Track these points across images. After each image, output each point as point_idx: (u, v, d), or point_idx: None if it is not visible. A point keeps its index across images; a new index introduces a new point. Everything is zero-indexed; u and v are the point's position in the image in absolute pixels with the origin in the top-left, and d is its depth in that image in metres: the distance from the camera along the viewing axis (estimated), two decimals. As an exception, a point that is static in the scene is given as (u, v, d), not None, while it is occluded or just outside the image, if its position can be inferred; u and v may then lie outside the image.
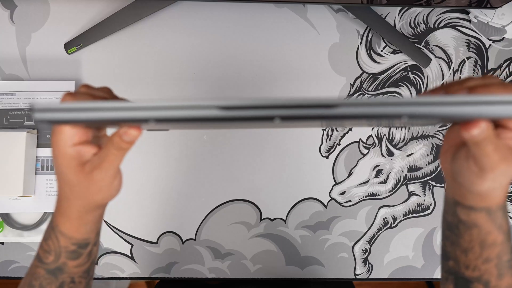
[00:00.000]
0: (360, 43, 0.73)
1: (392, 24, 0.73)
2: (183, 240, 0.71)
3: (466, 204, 0.39)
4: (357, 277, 0.72)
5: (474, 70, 0.73)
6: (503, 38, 0.73)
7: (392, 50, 0.73)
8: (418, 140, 0.72)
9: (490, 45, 0.73)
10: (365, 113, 0.29)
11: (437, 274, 0.72)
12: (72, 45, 0.70)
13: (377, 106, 0.29)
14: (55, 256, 0.43)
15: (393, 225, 0.72)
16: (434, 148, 0.72)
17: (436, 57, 0.73)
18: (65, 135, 0.38)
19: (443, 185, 0.73)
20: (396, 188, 0.72)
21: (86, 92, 0.39)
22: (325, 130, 0.72)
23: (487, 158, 0.34)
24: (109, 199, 0.42)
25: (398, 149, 0.73)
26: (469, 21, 0.73)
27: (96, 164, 0.39)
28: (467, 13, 0.73)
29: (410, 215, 0.72)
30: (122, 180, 0.43)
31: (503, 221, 0.39)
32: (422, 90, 0.73)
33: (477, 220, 0.39)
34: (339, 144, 0.72)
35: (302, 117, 0.29)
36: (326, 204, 0.72)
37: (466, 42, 0.73)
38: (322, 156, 0.72)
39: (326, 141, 0.72)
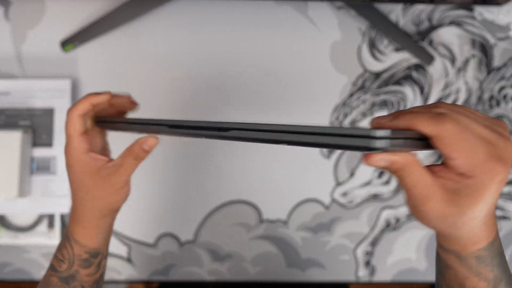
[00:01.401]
0: (362, 41, 0.72)
1: (395, 22, 0.72)
2: (182, 242, 0.70)
3: (438, 241, 0.38)
4: (360, 279, 0.71)
5: (479, 68, 0.72)
6: (508, 35, 0.72)
7: (395, 48, 0.72)
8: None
9: (495, 42, 0.72)
10: (252, 137, 0.33)
11: (441, 277, 0.71)
12: (68, 43, 0.69)
13: (263, 132, 0.33)
14: (69, 264, 0.45)
15: (396, 227, 0.71)
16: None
17: (440, 55, 0.72)
18: (76, 143, 0.43)
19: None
20: (399, 189, 0.71)
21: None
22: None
23: (410, 198, 0.33)
24: (121, 202, 0.46)
25: (401, 149, 0.71)
26: (474, 18, 0.72)
27: (112, 171, 0.43)
28: (472, 10, 0.72)
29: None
30: (130, 188, 0.46)
31: (482, 269, 0.36)
32: (425, 89, 0.72)
33: (448, 260, 0.37)
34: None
35: (201, 135, 0.36)
36: (327, 205, 0.71)
37: (470, 40, 0.72)
38: (324, 156, 0.71)
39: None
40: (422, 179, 0.32)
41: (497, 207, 0.72)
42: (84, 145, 0.43)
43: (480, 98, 0.72)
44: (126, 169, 0.42)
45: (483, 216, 0.32)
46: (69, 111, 0.44)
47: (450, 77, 0.72)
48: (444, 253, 0.37)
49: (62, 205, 0.67)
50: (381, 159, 0.31)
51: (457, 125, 0.31)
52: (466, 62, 0.72)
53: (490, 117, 0.34)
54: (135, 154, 0.41)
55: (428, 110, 0.33)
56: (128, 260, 0.70)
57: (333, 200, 0.71)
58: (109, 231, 0.47)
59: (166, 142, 0.70)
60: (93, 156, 0.43)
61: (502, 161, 0.31)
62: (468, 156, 0.31)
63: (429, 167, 0.33)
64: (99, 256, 0.47)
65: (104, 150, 0.48)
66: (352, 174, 0.71)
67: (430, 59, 0.71)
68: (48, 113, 0.67)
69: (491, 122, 0.33)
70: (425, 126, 0.31)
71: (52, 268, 0.46)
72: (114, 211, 0.46)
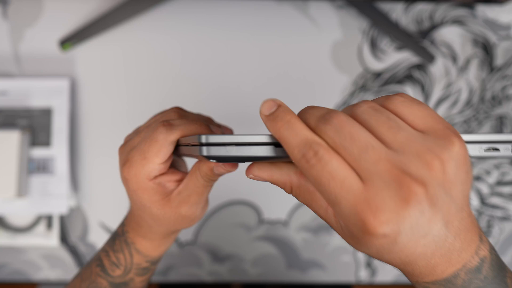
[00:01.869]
0: (363, 40, 0.71)
1: (396, 21, 0.71)
2: (181, 243, 0.69)
3: None
4: (360, 280, 0.71)
5: (480, 67, 0.71)
6: (510, 34, 0.71)
7: (396, 47, 0.71)
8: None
9: (497, 41, 0.72)
10: None
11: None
12: (67, 42, 0.68)
13: None
14: (124, 271, 0.40)
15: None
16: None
17: (441, 54, 0.71)
18: (147, 169, 0.33)
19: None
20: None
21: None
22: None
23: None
24: (196, 222, 0.39)
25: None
26: (476, 17, 0.71)
27: (183, 198, 0.35)
28: (473, 9, 0.71)
29: (415, 217, 0.71)
30: (207, 204, 0.39)
31: None
32: (427, 88, 0.71)
33: None
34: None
35: None
36: None
37: (472, 39, 0.71)
38: None
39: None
40: (314, 202, 0.28)
41: (498, 207, 0.71)
42: (156, 171, 0.34)
43: (482, 98, 0.71)
44: (200, 194, 0.34)
45: (405, 257, 0.25)
46: (161, 134, 0.33)
47: (452, 76, 0.71)
48: None
49: (60, 205, 0.66)
50: (258, 176, 0.28)
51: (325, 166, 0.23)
52: (467, 61, 0.71)
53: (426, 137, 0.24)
54: (207, 177, 0.33)
55: (316, 121, 0.25)
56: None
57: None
58: (174, 239, 0.42)
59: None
60: (161, 180, 0.34)
61: (374, 214, 0.22)
62: (330, 202, 0.24)
63: None
64: (159, 261, 0.42)
65: (179, 165, 0.39)
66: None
67: (431, 58, 0.70)
68: (46, 113, 0.67)
69: (404, 147, 0.23)
70: (292, 153, 0.24)
71: (101, 267, 0.40)
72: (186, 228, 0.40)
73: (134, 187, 0.34)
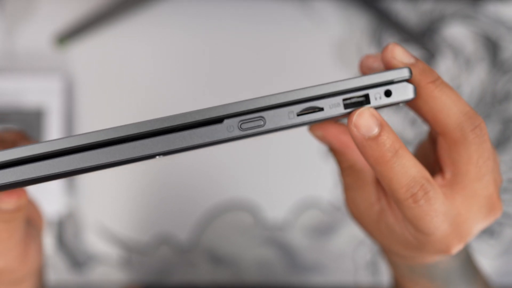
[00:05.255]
0: (366, 37, 0.70)
1: (399, 18, 0.70)
2: (179, 246, 0.69)
3: None
4: (362, 283, 0.70)
5: (487, 66, 0.70)
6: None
7: (399, 43, 0.70)
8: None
9: (505, 40, 0.70)
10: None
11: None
12: (62, 38, 0.67)
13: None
14: None
15: (400, 232, 0.70)
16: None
17: (446, 52, 0.70)
18: None
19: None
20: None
21: None
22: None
23: None
24: (35, 271, 0.29)
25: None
26: (483, 14, 0.70)
27: None
28: (481, 6, 0.70)
29: (418, 221, 0.70)
30: (41, 243, 0.29)
31: (416, 277, 0.28)
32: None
33: (382, 255, 0.32)
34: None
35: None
36: (329, 207, 0.70)
37: (478, 37, 0.70)
38: (325, 155, 0.70)
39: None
40: (361, 191, 0.26)
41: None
42: None
43: (489, 98, 0.70)
44: (3, 240, 0.25)
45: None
46: None
47: (457, 75, 0.70)
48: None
49: (54, 207, 0.65)
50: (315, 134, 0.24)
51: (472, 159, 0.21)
52: (474, 60, 0.70)
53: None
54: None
55: (463, 122, 0.22)
56: (124, 264, 0.69)
57: (335, 202, 0.70)
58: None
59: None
60: None
61: (460, 240, 0.23)
62: (420, 232, 0.23)
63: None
64: None
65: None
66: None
67: (435, 56, 0.70)
68: (39, 113, 0.66)
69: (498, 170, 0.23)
70: (396, 191, 0.22)
71: None
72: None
73: None
